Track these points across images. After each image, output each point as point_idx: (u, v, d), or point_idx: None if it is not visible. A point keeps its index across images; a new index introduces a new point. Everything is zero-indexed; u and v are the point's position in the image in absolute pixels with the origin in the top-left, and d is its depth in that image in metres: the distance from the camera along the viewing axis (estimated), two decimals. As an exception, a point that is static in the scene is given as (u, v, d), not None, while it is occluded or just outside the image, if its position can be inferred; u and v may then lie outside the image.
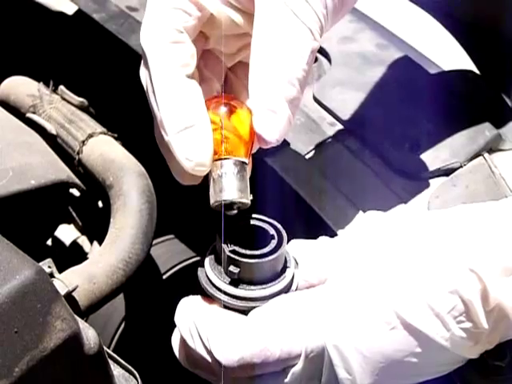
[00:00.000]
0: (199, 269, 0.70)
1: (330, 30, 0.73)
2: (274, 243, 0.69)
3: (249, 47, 0.70)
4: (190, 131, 0.67)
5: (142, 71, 0.72)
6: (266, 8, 0.68)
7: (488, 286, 0.64)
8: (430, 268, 0.66)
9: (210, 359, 0.67)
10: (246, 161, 0.69)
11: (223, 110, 0.69)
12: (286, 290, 0.69)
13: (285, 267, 0.70)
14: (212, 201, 0.68)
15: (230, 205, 0.68)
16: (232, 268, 0.67)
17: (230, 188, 0.67)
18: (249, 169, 0.70)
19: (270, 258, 0.68)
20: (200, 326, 0.67)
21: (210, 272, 0.69)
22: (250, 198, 0.68)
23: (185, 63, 0.69)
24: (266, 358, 0.66)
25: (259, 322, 0.67)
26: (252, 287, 0.68)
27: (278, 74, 0.67)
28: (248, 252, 0.68)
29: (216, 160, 0.68)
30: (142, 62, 0.71)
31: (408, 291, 0.65)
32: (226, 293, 0.68)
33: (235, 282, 0.68)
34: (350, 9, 0.74)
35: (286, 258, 0.70)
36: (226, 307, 0.69)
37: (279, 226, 0.70)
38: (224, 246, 0.68)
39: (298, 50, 0.68)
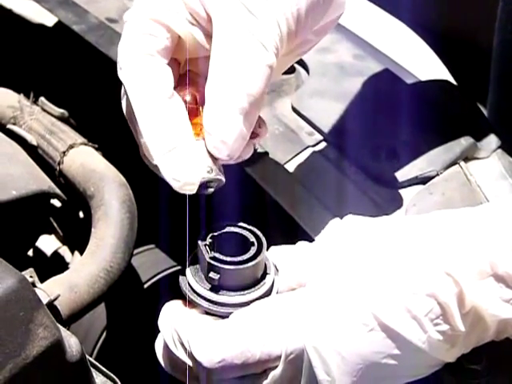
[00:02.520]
0: (180, 275, 0.71)
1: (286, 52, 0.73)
2: (253, 250, 0.70)
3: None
4: (175, 153, 0.68)
5: (123, 100, 0.73)
6: (222, 27, 0.69)
7: (464, 289, 0.65)
8: (407, 271, 0.67)
9: (191, 363, 0.68)
10: None
11: (188, 97, 0.71)
12: (266, 295, 0.70)
13: (265, 273, 0.71)
14: None
15: (205, 184, 0.69)
16: (212, 274, 0.68)
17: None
18: None
19: (250, 264, 0.69)
20: (181, 330, 0.68)
21: (191, 278, 0.70)
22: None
23: (162, 85, 0.70)
24: (247, 360, 0.67)
25: (240, 323, 0.68)
26: (232, 293, 0.69)
27: (232, 89, 0.68)
28: (228, 259, 0.69)
29: None
30: (122, 90, 0.72)
31: (386, 294, 0.66)
32: (206, 299, 0.69)
33: (216, 288, 0.69)
34: (306, 34, 0.75)
35: (266, 265, 0.71)
36: (207, 313, 0.70)
37: (259, 232, 0.71)
38: (204, 252, 0.69)
39: (252, 65, 0.68)
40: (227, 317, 0.69)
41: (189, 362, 0.68)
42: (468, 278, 0.65)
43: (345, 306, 0.67)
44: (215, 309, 0.69)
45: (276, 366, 0.68)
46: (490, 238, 0.67)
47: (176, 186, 0.69)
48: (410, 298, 0.66)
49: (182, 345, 0.69)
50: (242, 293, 0.69)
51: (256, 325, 0.67)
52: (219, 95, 0.68)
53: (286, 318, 0.68)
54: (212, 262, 0.68)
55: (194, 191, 0.69)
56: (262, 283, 0.70)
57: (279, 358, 0.67)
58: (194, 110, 0.71)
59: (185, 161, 0.68)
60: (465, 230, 0.68)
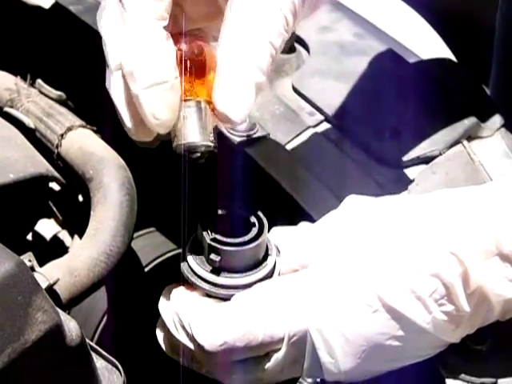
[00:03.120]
0: (181, 258, 0.70)
1: (304, 19, 0.72)
2: (255, 231, 0.69)
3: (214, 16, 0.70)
4: (161, 88, 0.65)
5: (107, 18, 0.69)
6: None
7: (469, 269, 0.64)
8: (411, 251, 0.66)
9: (192, 346, 0.67)
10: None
11: (190, 50, 0.67)
12: (268, 277, 0.69)
13: (266, 255, 0.70)
14: (174, 145, 0.66)
15: (192, 148, 0.66)
16: (213, 256, 0.68)
17: (192, 131, 0.65)
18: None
19: (251, 245, 0.68)
20: (182, 313, 0.68)
21: (192, 261, 0.69)
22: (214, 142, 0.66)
23: (161, 16, 0.66)
24: (249, 342, 0.66)
25: (242, 306, 0.67)
26: (233, 275, 0.68)
27: (248, 53, 0.66)
28: (229, 240, 0.68)
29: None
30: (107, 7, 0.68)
31: (390, 274, 0.66)
32: (207, 281, 0.68)
33: (217, 270, 0.68)
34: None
35: (267, 246, 0.70)
36: (208, 296, 0.69)
37: (260, 213, 0.70)
38: (205, 234, 0.68)
39: (269, 28, 0.66)
40: (229, 299, 0.68)
41: (190, 346, 0.67)
42: (473, 257, 0.64)
43: (348, 287, 0.66)
44: (216, 291, 0.68)
45: (279, 349, 0.67)
46: (494, 217, 0.66)
47: (153, 122, 0.65)
48: (414, 278, 0.65)
49: (183, 328, 0.68)
50: (243, 274, 0.68)
51: (258, 307, 0.67)
52: (234, 60, 0.65)
53: (288, 299, 0.67)
54: (212, 243, 0.67)
55: (166, 132, 0.67)
56: (263, 265, 0.69)
57: (282, 340, 0.66)
58: (202, 67, 0.67)
59: (169, 99, 0.65)
60: (469, 208, 0.67)
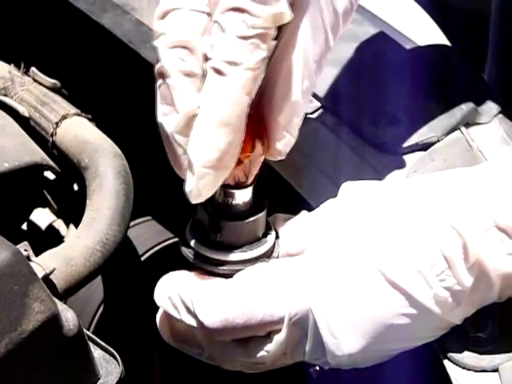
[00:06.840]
0: (180, 238, 0.70)
1: None
2: (254, 207, 0.69)
3: None
4: (209, 173, 0.65)
5: None
6: None
7: (468, 242, 0.65)
8: (411, 226, 0.66)
9: (194, 323, 0.67)
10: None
11: None
12: (268, 254, 0.69)
13: (266, 233, 0.70)
14: None
15: None
16: (213, 232, 0.68)
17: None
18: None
19: (251, 219, 0.68)
20: (182, 291, 0.67)
21: (191, 238, 0.69)
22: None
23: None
24: (249, 320, 0.66)
25: (243, 283, 0.67)
26: (233, 251, 0.68)
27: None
28: (229, 214, 0.68)
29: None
30: None
31: (391, 250, 0.66)
32: (207, 257, 0.68)
33: (216, 246, 0.68)
34: None
35: (267, 225, 0.70)
36: (209, 274, 0.69)
37: (259, 193, 0.70)
38: (205, 210, 0.68)
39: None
40: (230, 276, 0.68)
41: (191, 323, 0.67)
42: (472, 231, 0.65)
43: (350, 264, 0.66)
44: (216, 267, 0.68)
45: (280, 330, 0.66)
46: (491, 195, 0.66)
47: (194, 199, 0.66)
48: (414, 251, 0.65)
49: (184, 305, 0.68)
50: (242, 249, 0.68)
51: (259, 285, 0.67)
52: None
53: (290, 278, 0.67)
54: (213, 218, 0.67)
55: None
56: (263, 241, 0.69)
57: (283, 320, 0.66)
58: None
59: (212, 186, 0.66)
60: (466, 187, 0.68)
